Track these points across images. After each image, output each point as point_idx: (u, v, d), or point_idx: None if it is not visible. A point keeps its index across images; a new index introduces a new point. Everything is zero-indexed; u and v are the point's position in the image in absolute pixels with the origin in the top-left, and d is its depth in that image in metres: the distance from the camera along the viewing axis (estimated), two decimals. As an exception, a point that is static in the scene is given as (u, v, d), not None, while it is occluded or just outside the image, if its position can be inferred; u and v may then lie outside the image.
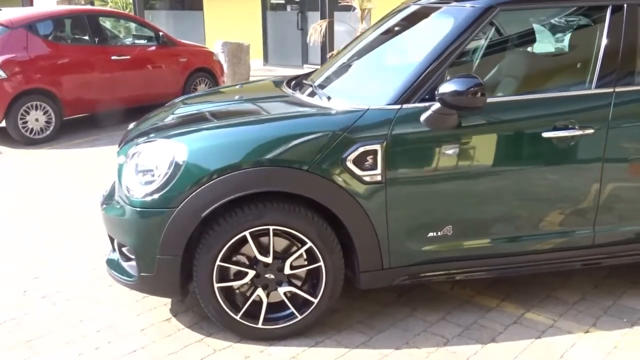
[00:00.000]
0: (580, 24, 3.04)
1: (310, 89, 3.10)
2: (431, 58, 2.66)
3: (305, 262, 2.68)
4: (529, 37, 3.18)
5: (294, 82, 3.39)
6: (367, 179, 2.57)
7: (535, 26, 3.15)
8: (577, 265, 2.91)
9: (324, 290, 2.68)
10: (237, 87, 4.03)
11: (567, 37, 3.09)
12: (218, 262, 2.59)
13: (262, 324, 2.69)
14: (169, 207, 2.53)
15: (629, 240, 2.88)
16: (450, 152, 2.62)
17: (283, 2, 12.82)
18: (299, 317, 2.70)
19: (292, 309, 2.68)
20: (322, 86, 3.10)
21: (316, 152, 2.54)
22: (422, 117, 2.58)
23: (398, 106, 2.62)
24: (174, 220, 2.54)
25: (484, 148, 2.67)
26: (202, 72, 8.56)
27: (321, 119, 2.73)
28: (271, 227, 2.57)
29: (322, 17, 10.77)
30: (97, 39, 7.44)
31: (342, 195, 2.58)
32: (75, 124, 7.54)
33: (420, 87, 2.63)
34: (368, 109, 2.63)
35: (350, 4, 9.00)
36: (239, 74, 10.56)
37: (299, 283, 2.73)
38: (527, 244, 2.82)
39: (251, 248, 2.60)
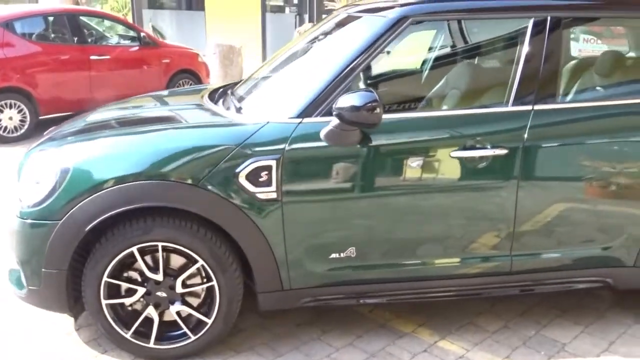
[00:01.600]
0: (503, 38, 2.89)
1: (225, 100, 2.98)
2: (336, 70, 2.52)
3: (201, 281, 2.57)
4: (451, 51, 3.04)
5: (220, 91, 3.27)
6: (261, 196, 2.45)
7: (458, 41, 3.00)
8: (495, 292, 2.74)
9: (218, 311, 2.55)
10: (164, 94, 3.89)
11: (491, 51, 2.94)
12: (105, 278, 2.48)
13: (154, 344, 2.57)
14: (53, 220, 2.43)
15: (548, 268, 2.71)
16: (351, 170, 2.48)
17: (282, 4, 12.77)
18: (193, 338, 2.57)
19: (185, 329, 2.57)
20: (239, 97, 2.98)
21: (207, 166, 2.42)
22: (322, 133, 2.45)
23: (298, 120, 2.48)
24: (58, 233, 2.43)
25: (387, 167, 2.52)
26: (186, 73, 8.50)
27: (216, 131, 2.61)
28: (159, 244, 2.47)
29: (310, 20, 10.66)
30: (76, 38, 7.41)
31: (234, 212, 2.45)
32: (52, 123, 7.50)
33: (323, 100, 2.49)
34: (267, 122, 2.51)
35: (334, 7, 8.89)
36: (230, 76, 10.45)
37: (196, 302, 2.62)
38: (439, 269, 2.67)
39: (142, 264, 2.50)
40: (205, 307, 2.60)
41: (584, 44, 5.34)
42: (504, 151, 2.50)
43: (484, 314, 2.99)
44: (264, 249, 2.51)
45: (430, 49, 3.45)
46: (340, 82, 2.50)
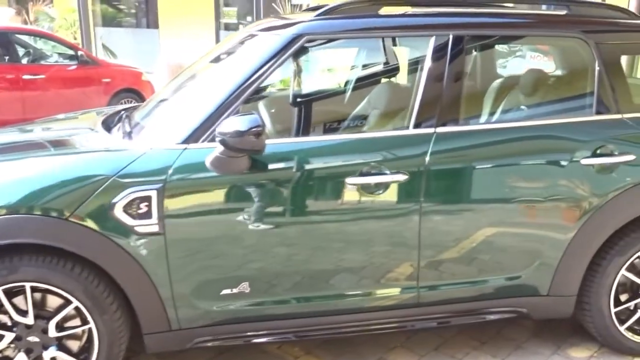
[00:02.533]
0: (411, 58, 2.76)
1: (118, 125, 2.78)
2: (226, 92, 2.35)
3: (80, 323, 2.35)
4: (362, 71, 2.90)
5: (120, 114, 3.06)
6: (140, 229, 2.24)
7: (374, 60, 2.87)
8: (404, 326, 2.57)
9: (98, 356, 2.33)
10: (63, 116, 3.65)
11: (397, 71, 2.82)
12: (-33, 322, 2.25)
13: (30, 392, 2.35)
14: None
15: (458, 299, 2.56)
16: (239, 200, 2.30)
17: (235, 22, 12.64)
18: (73, 384, 2.35)
19: (63, 376, 2.34)
20: (134, 122, 2.78)
21: (79, 198, 2.19)
22: (207, 160, 2.26)
23: (183, 147, 2.30)
24: None
25: (279, 196, 2.33)
26: (128, 92, 8.24)
27: (91, 159, 2.39)
28: (27, 284, 2.24)
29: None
30: (7, 57, 7.13)
31: (110, 247, 2.23)
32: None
33: (211, 124, 2.29)
34: (149, 149, 2.32)
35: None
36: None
37: (77, 345, 2.39)
38: (342, 303, 2.49)
39: (8, 306, 2.25)
40: (86, 351, 2.38)
41: (531, 60, 5.31)
42: (403, 177, 2.34)
43: (397, 349, 2.82)
44: (146, 287, 2.30)
45: (352, 67, 3.31)
46: (229, 105, 2.31)
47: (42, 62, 7.60)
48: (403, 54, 2.74)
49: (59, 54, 8.01)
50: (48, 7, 13.31)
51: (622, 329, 2.66)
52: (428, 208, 2.38)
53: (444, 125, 2.41)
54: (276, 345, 2.84)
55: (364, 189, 2.34)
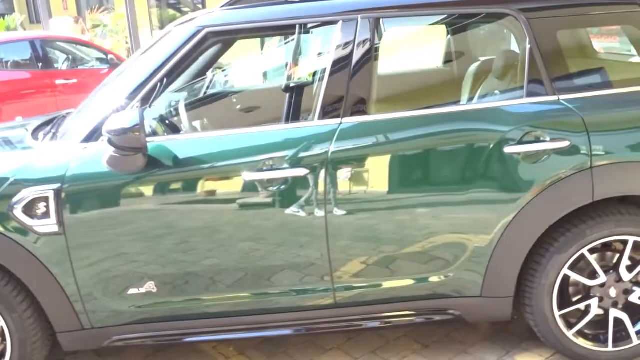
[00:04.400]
0: (317, 45, 2.60)
1: (46, 129, 2.80)
2: (127, 89, 2.32)
3: (-2, 322, 2.40)
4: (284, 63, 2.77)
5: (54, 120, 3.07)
6: (40, 229, 2.24)
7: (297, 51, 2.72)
8: (324, 328, 2.44)
9: (12, 354, 2.36)
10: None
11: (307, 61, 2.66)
12: None
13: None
14: None
15: (379, 301, 2.39)
16: (137, 199, 2.26)
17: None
18: (-10, 382, 2.41)
19: (-20, 373, 2.40)
20: (60, 126, 2.75)
21: None
22: (104, 159, 2.24)
23: (83, 146, 2.29)
24: None
25: (177, 193, 2.27)
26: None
27: (-2, 161, 2.44)
28: (-63, 285, 2.32)
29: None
30: (40, 64, 7.51)
31: (13, 247, 2.25)
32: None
33: (109, 122, 2.30)
34: (49, 149, 2.32)
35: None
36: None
37: (-2, 345, 2.45)
38: (255, 302, 2.40)
39: None
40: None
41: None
42: (304, 171, 2.22)
43: (333, 351, 2.69)
44: (53, 287, 2.31)
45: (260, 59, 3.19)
46: (128, 102, 2.28)
47: (76, 67, 7.96)
48: (312, 42, 2.59)
49: (97, 59, 8.38)
50: (103, 15, 13.91)
51: (569, 333, 2.40)
52: (334, 204, 2.24)
53: (351, 115, 2.28)
54: (212, 345, 2.80)
55: (264, 184, 2.23)
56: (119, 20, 12.91)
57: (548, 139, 2.23)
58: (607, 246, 2.42)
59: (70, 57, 8.30)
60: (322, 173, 2.23)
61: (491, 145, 2.23)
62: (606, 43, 3.39)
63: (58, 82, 7.48)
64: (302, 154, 2.24)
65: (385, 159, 2.26)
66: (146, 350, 2.77)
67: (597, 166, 2.24)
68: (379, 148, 2.26)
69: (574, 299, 2.44)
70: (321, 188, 2.24)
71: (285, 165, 2.22)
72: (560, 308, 2.40)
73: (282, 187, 2.24)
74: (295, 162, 2.23)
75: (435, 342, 2.72)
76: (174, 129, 2.66)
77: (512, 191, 2.25)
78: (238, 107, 2.75)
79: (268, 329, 2.48)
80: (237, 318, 2.44)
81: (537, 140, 2.23)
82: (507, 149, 2.22)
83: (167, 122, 2.63)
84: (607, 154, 2.24)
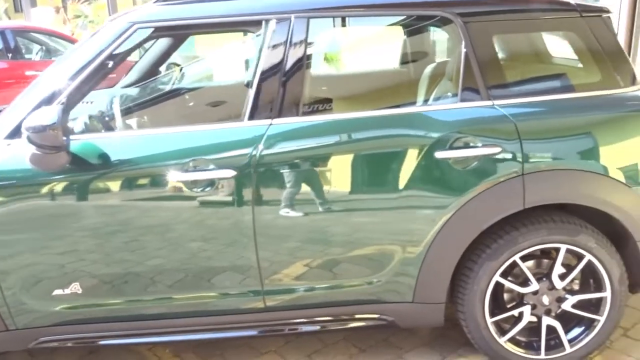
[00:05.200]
0: (248, 45, 2.56)
1: None
2: (52, 85, 2.26)
3: None
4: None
5: None
6: (-38, 228, 2.21)
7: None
8: (254, 331, 2.41)
9: None
10: None
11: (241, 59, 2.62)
12: None
13: None
14: None
15: (310, 305, 2.36)
16: (59, 197, 2.20)
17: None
18: None
19: None
20: None
21: None
22: (27, 157, 2.18)
23: (7, 142, 2.23)
24: None
25: (99, 195, 2.20)
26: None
27: None
28: None
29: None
30: (10, 54, 7.41)
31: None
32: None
33: (35, 118, 2.24)
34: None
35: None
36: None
37: None
38: (186, 305, 2.35)
39: None
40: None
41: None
42: (232, 172, 2.17)
43: (269, 354, 2.66)
44: (-25, 286, 2.28)
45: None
46: (54, 96, 2.22)
47: (50, 59, 7.84)
48: (245, 41, 2.55)
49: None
50: (84, 5, 13.76)
51: (501, 340, 2.38)
52: (261, 207, 2.20)
53: (282, 116, 2.23)
54: (147, 347, 2.76)
55: (190, 185, 2.18)
56: (99, 11, 12.79)
57: (479, 144, 2.20)
58: (546, 253, 2.42)
59: (44, 48, 8.21)
60: (250, 174, 2.18)
61: (422, 150, 2.19)
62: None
63: (28, 73, 7.37)
64: (230, 155, 2.19)
65: (314, 162, 2.21)
66: (80, 351, 2.72)
67: (528, 173, 2.21)
68: (308, 150, 2.21)
69: (509, 306, 2.44)
70: (249, 190, 2.19)
71: (213, 166, 2.17)
72: (494, 315, 2.39)
73: (209, 188, 2.19)
74: (223, 163, 2.18)
75: (372, 346, 2.70)
76: (108, 127, 2.61)
77: (443, 197, 2.22)
78: (173, 106, 2.71)
79: (201, 332, 2.45)
80: (166, 321, 2.40)
81: (469, 145, 2.20)
82: (438, 154, 2.19)
83: (100, 119, 2.58)
84: (538, 161, 2.22)
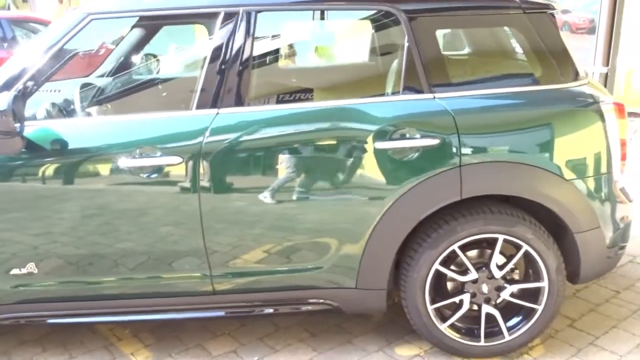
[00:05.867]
0: (197, 35, 2.63)
1: None
2: (11, 72, 2.34)
3: None
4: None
5: None
6: None
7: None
8: (203, 314, 2.49)
9: None
10: None
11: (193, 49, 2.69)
12: None
13: None
14: None
15: (256, 289, 2.44)
16: (15, 180, 2.29)
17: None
18: None
19: None
20: None
21: None
22: None
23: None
24: None
25: (52, 179, 2.29)
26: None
27: None
28: None
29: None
30: (6, 44, 7.54)
31: None
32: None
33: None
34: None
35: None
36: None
37: None
38: (138, 287, 2.43)
39: None
40: None
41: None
42: (177, 159, 2.26)
43: (222, 337, 2.75)
44: None
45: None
46: (13, 83, 2.31)
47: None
48: (196, 31, 2.62)
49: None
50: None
51: (442, 326, 2.45)
52: (207, 194, 2.28)
53: (228, 106, 2.31)
54: (109, 327, 2.86)
55: (137, 172, 2.26)
56: (102, 2, 12.86)
57: (418, 136, 2.27)
58: (490, 244, 2.48)
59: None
60: (196, 162, 2.26)
61: (363, 142, 2.26)
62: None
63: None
64: (177, 143, 2.28)
65: (258, 151, 2.29)
66: (42, 330, 2.82)
67: (465, 165, 2.28)
68: (252, 140, 2.29)
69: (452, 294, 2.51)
70: (195, 177, 2.27)
71: (160, 154, 2.26)
72: (436, 302, 2.47)
73: (157, 175, 2.27)
74: (169, 151, 2.26)
75: (324, 331, 2.78)
76: (69, 115, 2.69)
77: (383, 186, 2.29)
78: (129, 94, 2.79)
79: (153, 313, 2.54)
80: (121, 301, 2.49)
81: (408, 137, 2.27)
82: (378, 145, 2.26)
83: (63, 107, 2.67)
84: (475, 154, 2.28)
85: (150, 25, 2.81)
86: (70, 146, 2.30)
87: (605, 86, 5.35)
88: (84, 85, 2.70)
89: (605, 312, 2.89)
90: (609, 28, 5.18)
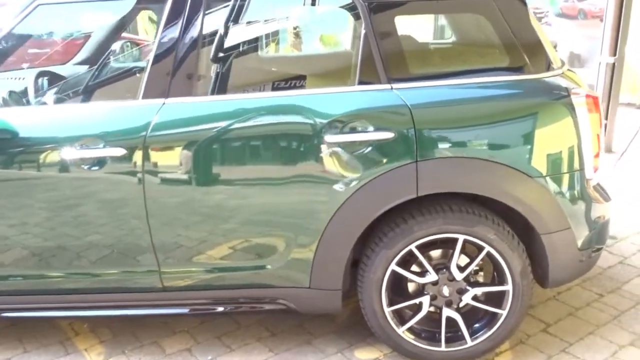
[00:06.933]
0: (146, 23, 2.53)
1: None
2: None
3: None
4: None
5: None
6: None
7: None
8: (152, 310, 2.42)
9: None
10: None
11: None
12: None
13: None
14: None
15: (208, 286, 2.34)
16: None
17: None
18: None
19: None
20: None
21: None
22: None
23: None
24: None
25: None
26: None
27: None
28: None
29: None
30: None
31: None
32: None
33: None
34: None
35: None
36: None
37: None
38: (84, 280, 2.36)
39: None
40: None
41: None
42: (121, 151, 2.16)
43: (180, 334, 2.66)
44: None
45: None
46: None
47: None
48: (146, 17, 2.51)
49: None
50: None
51: (400, 330, 2.33)
52: (154, 187, 2.19)
53: (176, 95, 2.20)
54: (68, 321, 2.80)
55: (82, 163, 2.16)
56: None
57: (371, 129, 2.14)
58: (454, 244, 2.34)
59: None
60: (141, 153, 2.17)
61: (314, 134, 2.13)
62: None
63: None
64: (122, 133, 2.19)
65: (207, 143, 2.17)
66: (2, 324, 2.79)
67: (422, 160, 2.14)
68: (199, 132, 2.18)
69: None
70: (140, 169, 2.18)
71: (103, 144, 2.17)
72: (394, 304, 2.35)
73: (99, 166, 2.18)
74: (114, 142, 2.17)
75: (285, 330, 2.68)
76: (25, 103, 2.63)
77: (336, 182, 2.16)
78: (82, 82, 2.71)
79: (105, 309, 2.47)
80: (82, 295, 2.42)
81: (361, 130, 2.14)
82: (329, 138, 2.13)
83: (21, 95, 2.60)
84: (433, 149, 2.14)
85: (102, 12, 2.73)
86: (18, 136, 2.22)
87: (612, 78, 5.13)
88: (40, 74, 2.63)
89: (584, 316, 2.74)
90: (617, 15, 4.92)
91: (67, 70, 2.98)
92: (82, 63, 3.08)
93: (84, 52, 3.13)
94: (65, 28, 2.88)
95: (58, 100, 2.53)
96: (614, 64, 5.08)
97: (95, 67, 2.85)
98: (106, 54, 2.81)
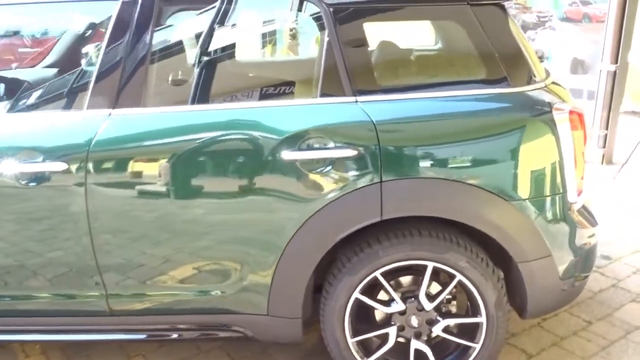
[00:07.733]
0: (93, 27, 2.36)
1: None
2: None
3: None
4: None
5: None
6: None
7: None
8: (99, 335, 2.26)
9: None
10: None
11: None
12: None
13: None
14: None
15: (158, 311, 2.17)
16: None
17: None
18: None
19: None
20: None
21: None
22: None
23: None
24: None
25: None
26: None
27: None
28: None
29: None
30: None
31: None
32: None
33: None
34: None
35: None
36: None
37: None
38: (31, 301, 2.20)
39: None
40: None
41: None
42: (62, 165, 1.98)
43: (136, 358, 2.50)
44: None
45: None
46: None
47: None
48: (89, 23, 2.36)
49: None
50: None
51: (364, 363, 2.16)
52: (96, 204, 2.02)
53: (124, 106, 2.03)
54: (19, 343, 2.64)
55: (21, 178, 2.00)
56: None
57: (332, 145, 1.96)
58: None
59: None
60: (84, 169, 1.99)
61: (269, 151, 1.95)
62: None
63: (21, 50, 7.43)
64: (63, 146, 2.02)
65: (156, 157, 2.00)
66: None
67: (387, 181, 1.96)
68: (150, 145, 2.01)
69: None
70: (82, 185, 2.01)
71: (43, 158, 2.01)
72: (359, 334, 2.17)
73: (43, 182, 2.01)
74: (55, 155, 2.00)
75: (247, 357, 2.50)
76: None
77: (293, 203, 1.98)
78: (30, 88, 2.56)
79: (62, 333, 2.30)
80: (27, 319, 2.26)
81: (321, 147, 1.96)
82: (286, 155, 1.96)
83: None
84: (399, 168, 1.95)
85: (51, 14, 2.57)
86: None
87: (612, 86, 4.91)
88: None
89: (569, 346, 2.54)
90: (619, 20, 4.71)
91: (32, 74, 2.84)
92: (50, 67, 2.94)
93: (51, 55, 3.00)
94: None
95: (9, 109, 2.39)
96: (615, 71, 4.87)
97: (56, 72, 2.71)
98: (66, 58, 2.67)
